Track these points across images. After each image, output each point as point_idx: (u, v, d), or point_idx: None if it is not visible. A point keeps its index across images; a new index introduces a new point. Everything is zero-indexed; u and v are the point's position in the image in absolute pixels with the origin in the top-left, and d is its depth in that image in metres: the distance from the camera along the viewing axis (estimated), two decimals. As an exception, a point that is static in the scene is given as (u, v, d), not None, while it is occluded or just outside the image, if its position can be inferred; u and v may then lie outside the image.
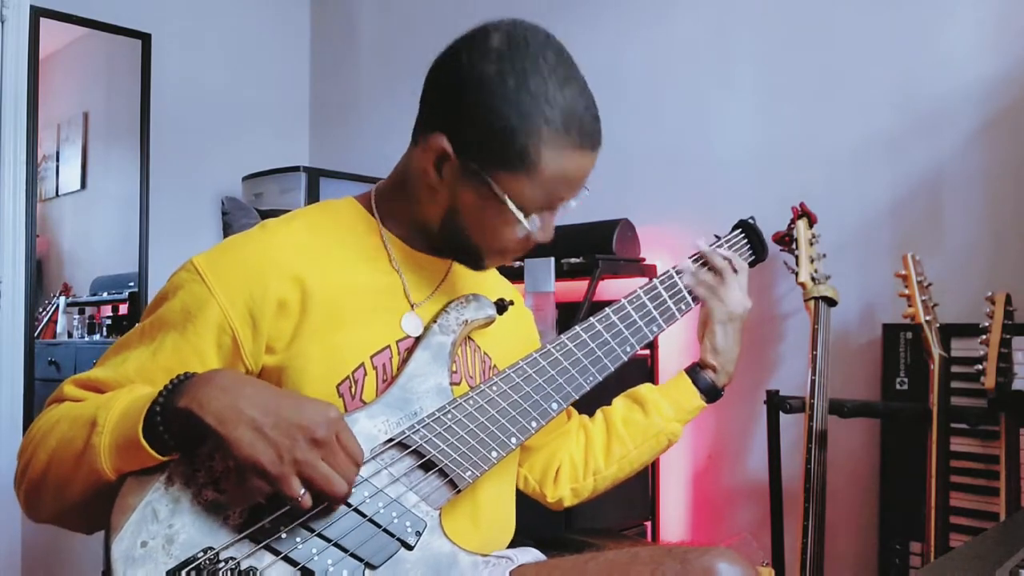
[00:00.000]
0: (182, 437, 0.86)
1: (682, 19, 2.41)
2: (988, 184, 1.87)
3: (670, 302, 1.26)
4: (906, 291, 1.72)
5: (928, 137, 1.95)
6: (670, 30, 2.44)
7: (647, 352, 2.30)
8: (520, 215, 1.01)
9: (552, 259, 2.19)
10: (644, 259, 2.34)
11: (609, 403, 1.34)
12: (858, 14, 2.07)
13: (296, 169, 3.00)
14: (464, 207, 1.03)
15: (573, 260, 2.23)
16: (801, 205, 1.94)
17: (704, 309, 1.32)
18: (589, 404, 1.29)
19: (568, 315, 2.21)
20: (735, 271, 1.30)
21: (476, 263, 1.11)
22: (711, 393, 1.30)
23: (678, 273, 1.29)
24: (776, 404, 1.96)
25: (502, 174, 0.99)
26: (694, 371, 1.31)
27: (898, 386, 1.90)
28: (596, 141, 1.04)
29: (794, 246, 1.92)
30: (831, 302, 1.88)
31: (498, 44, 0.99)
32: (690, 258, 1.32)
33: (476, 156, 1.00)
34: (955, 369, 1.73)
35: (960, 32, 1.91)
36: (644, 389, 1.31)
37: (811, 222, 1.94)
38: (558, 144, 0.99)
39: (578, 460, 1.29)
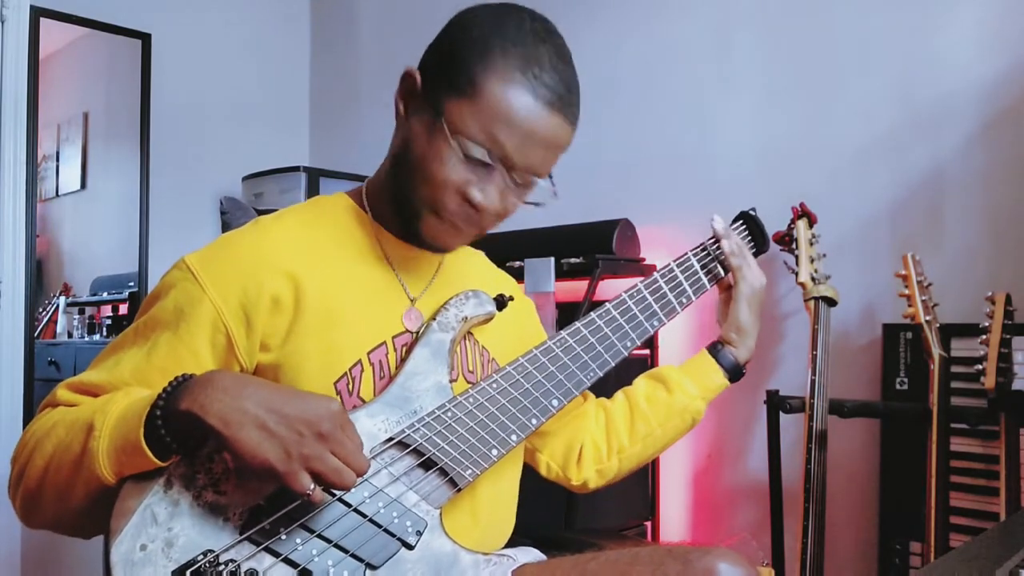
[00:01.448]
0: (183, 440, 0.85)
1: (682, 19, 2.41)
2: (988, 184, 1.87)
3: (671, 295, 1.25)
4: (906, 291, 1.71)
5: (928, 137, 1.95)
6: (670, 30, 2.43)
7: (647, 351, 2.30)
8: (450, 136, 0.98)
9: (552, 259, 2.18)
10: (644, 259, 2.34)
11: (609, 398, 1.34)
12: (858, 14, 2.07)
13: (296, 169, 3.00)
14: (412, 139, 1.02)
15: (573, 260, 2.23)
16: (801, 205, 1.94)
17: (725, 289, 1.33)
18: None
19: (568, 315, 2.21)
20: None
21: (415, 224, 1.05)
22: (734, 371, 1.30)
23: (713, 244, 1.30)
24: (776, 404, 1.96)
25: (449, 100, 0.99)
26: (715, 349, 1.31)
27: (898, 386, 1.90)
28: (556, 101, 0.99)
29: (794, 246, 1.92)
30: (831, 302, 1.88)
31: (496, 1, 1.04)
32: (691, 250, 1.31)
33: (432, 81, 1.01)
34: (955, 369, 1.73)
35: (960, 32, 1.91)
36: (666, 369, 1.31)
37: (811, 222, 1.94)
38: (507, 77, 0.97)
39: (600, 440, 1.28)
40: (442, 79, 1.00)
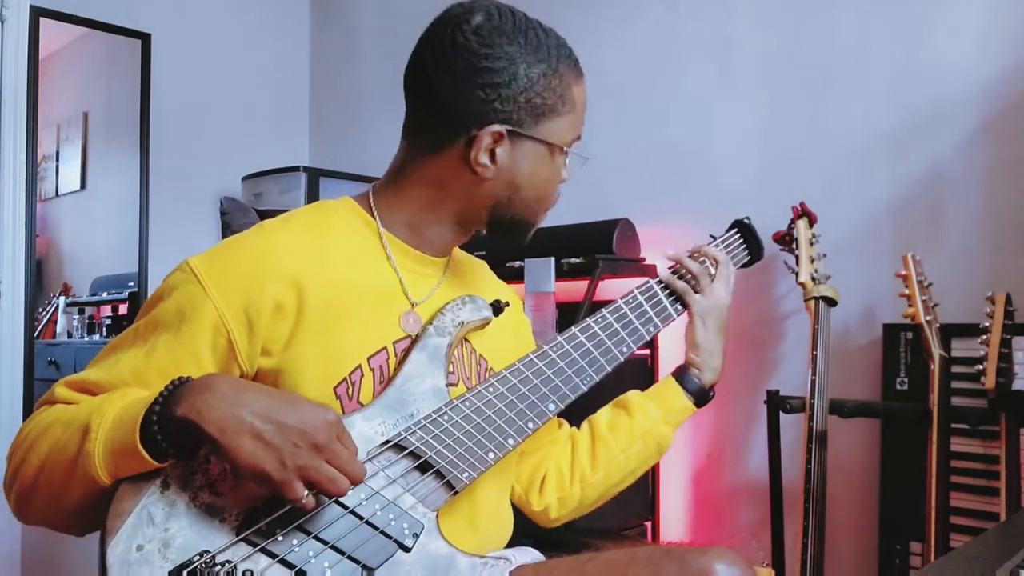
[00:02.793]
0: (179, 444, 0.85)
1: (684, 19, 2.41)
2: (988, 184, 1.86)
3: (666, 302, 1.26)
4: (906, 291, 1.71)
5: (928, 137, 1.95)
6: (672, 30, 2.43)
7: (647, 352, 2.30)
8: (569, 150, 1.11)
9: (552, 259, 2.18)
10: (644, 259, 2.34)
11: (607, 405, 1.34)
12: (859, 14, 2.07)
13: (296, 169, 3.00)
14: (525, 178, 1.08)
15: (573, 260, 2.22)
16: (801, 205, 1.94)
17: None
18: (588, 406, 1.28)
19: (568, 315, 2.20)
20: (715, 268, 1.31)
21: (526, 234, 1.15)
22: (699, 394, 1.28)
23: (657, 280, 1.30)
24: (776, 404, 1.96)
25: (547, 124, 1.07)
26: (680, 373, 1.30)
27: (898, 386, 1.89)
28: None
29: (794, 246, 1.92)
30: (831, 302, 1.88)
31: (484, 20, 1.04)
32: (668, 268, 1.32)
33: (525, 123, 1.06)
34: (955, 369, 1.73)
35: (960, 32, 1.91)
36: (630, 394, 1.30)
37: (811, 222, 1.94)
38: (575, 77, 1.10)
39: (564, 467, 1.27)
40: (533, 114, 1.06)
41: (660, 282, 1.29)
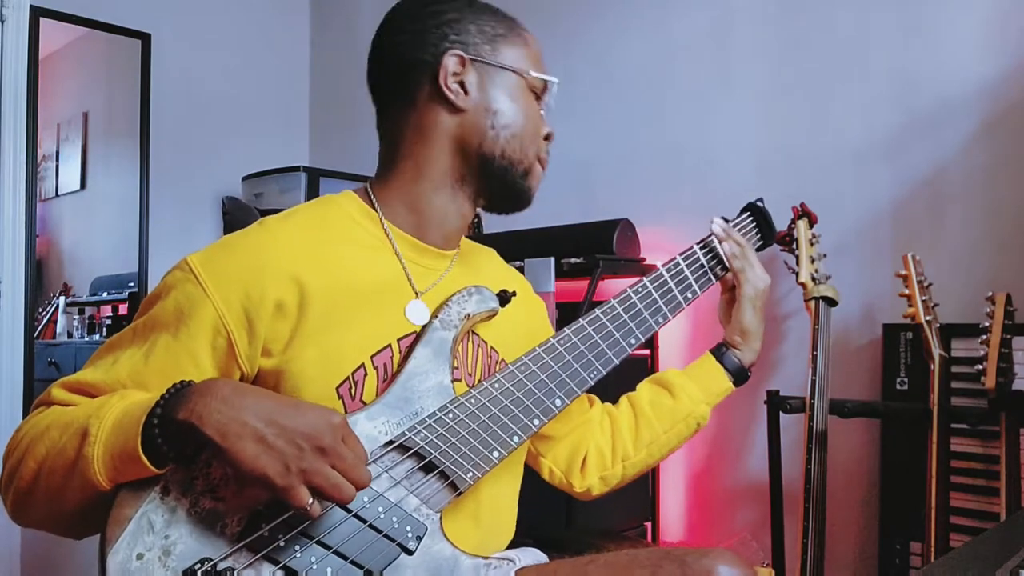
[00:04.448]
0: (180, 449, 0.84)
1: (683, 18, 2.40)
2: (988, 184, 1.86)
3: (676, 290, 1.23)
4: (906, 291, 1.71)
5: (928, 137, 1.94)
6: (671, 29, 2.43)
7: (647, 352, 2.30)
8: (544, 76, 1.12)
9: (552, 259, 2.18)
10: (644, 259, 2.34)
11: (607, 400, 1.33)
12: (859, 14, 2.06)
13: (296, 169, 3.00)
14: (502, 104, 1.09)
15: (573, 260, 2.22)
16: (801, 205, 1.94)
17: (728, 290, 1.31)
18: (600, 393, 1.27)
19: (568, 315, 2.20)
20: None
21: (524, 183, 1.13)
22: (739, 374, 1.29)
23: (706, 247, 1.28)
24: (776, 404, 1.96)
25: (503, 50, 1.10)
26: (720, 352, 1.29)
27: (898, 386, 1.89)
28: None
29: (794, 246, 1.92)
30: (831, 302, 1.88)
31: None
32: (697, 244, 1.29)
33: (483, 50, 1.09)
34: (955, 369, 1.73)
35: (961, 32, 1.90)
36: (669, 373, 1.29)
37: (811, 222, 1.93)
38: (521, 26, 1.15)
39: (605, 448, 1.27)
40: (491, 42, 1.10)
41: (704, 245, 1.28)
